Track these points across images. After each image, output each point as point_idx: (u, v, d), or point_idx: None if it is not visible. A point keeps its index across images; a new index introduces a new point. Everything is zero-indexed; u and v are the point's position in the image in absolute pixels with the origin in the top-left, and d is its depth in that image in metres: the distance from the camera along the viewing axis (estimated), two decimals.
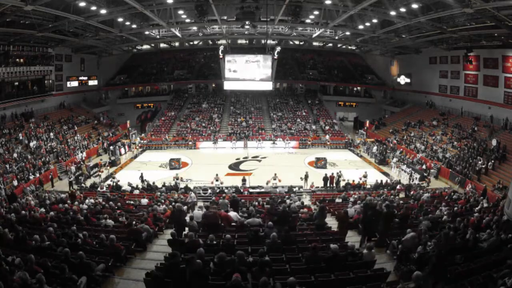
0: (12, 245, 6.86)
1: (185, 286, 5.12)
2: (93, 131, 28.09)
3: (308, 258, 6.09)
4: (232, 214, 9.32)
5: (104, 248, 7.04)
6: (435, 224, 9.05)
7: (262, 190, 16.23)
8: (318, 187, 18.16)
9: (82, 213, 10.15)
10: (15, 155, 19.63)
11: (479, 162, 18.60)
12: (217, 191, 15.95)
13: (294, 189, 16.53)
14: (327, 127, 30.87)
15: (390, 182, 18.49)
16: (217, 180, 17.84)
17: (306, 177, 18.69)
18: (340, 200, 14.52)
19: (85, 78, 32.31)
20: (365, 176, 18.99)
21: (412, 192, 15.62)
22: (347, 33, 26.43)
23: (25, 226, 8.60)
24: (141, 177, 18.59)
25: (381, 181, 18.39)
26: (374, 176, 19.85)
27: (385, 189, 16.77)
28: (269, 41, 30.86)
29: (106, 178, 20.00)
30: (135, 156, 25.87)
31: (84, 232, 7.93)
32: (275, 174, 17.86)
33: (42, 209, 10.86)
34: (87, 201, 12.92)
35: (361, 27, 22.94)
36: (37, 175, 18.59)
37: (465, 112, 25.85)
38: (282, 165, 22.54)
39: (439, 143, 23.65)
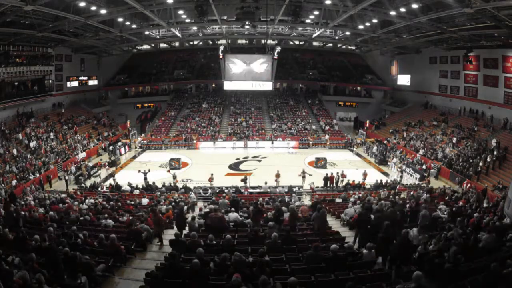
0: (12, 246, 6.85)
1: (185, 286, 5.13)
2: (93, 131, 28.11)
3: (309, 257, 6.09)
4: (233, 215, 9.31)
5: (104, 248, 7.04)
6: (434, 223, 9.02)
7: (262, 190, 16.24)
8: (318, 187, 18.17)
9: (82, 213, 10.15)
10: (15, 151, 19.63)
11: (480, 164, 18.60)
12: (217, 191, 15.95)
13: (294, 189, 16.54)
14: (327, 127, 30.89)
15: (390, 182, 18.49)
16: (212, 180, 18.00)
17: (304, 175, 18.76)
18: (340, 200, 14.53)
19: (85, 78, 32.30)
20: (364, 176, 19.04)
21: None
22: (347, 33, 26.42)
23: (25, 226, 8.60)
24: (145, 177, 18.54)
25: (381, 180, 18.41)
26: (374, 176, 19.87)
27: (385, 189, 16.77)
28: (269, 41, 30.86)
29: (106, 178, 20.01)
30: (135, 156, 25.89)
31: (84, 232, 7.92)
32: (278, 172, 18.25)
33: (42, 210, 10.87)
34: (87, 201, 12.92)
35: (361, 27, 22.93)
36: (37, 175, 18.60)
37: (465, 112, 25.87)
38: (282, 165, 22.51)
39: (439, 143, 23.66)
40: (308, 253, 6.23)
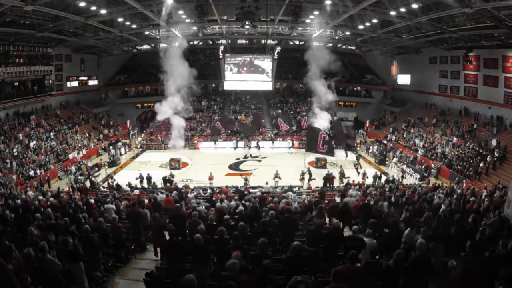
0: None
1: None
2: (93, 131, 28.12)
3: (309, 233, 6.09)
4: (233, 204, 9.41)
5: (105, 238, 7.07)
6: (434, 213, 8.96)
7: (263, 190, 16.22)
8: (317, 187, 18.14)
9: (83, 202, 10.11)
10: (15, 151, 19.67)
11: (481, 165, 18.61)
12: (217, 191, 15.92)
13: (294, 189, 16.51)
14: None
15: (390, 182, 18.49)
16: (212, 178, 18.06)
17: (303, 175, 18.79)
18: (339, 199, 14.48)
19: (85, 78, 32.30)
20: (364, 176, 19.07)
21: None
22: (347, 33, 26.44)
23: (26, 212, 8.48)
24: (148, 177, 18.52)
25: (380, 174, 18.65)
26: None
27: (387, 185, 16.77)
28: (269, 41, 30.89)
29: (106, 179, 20.03)
30: (135, 156, 25.89)
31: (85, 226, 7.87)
32: (277, 171, 18.27)
33: (41, 197, 10.89)
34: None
35: (361, 27, 22.94)
36: (38, 173, 18.64)
37: (465, 112, 25.87)
38: (282, 165, 22.51)
39: (439, 142, 23.66)
40: (307, 230, 6.21)
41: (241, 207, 9.26)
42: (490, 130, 22.24)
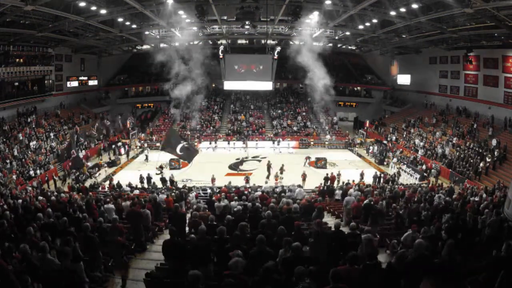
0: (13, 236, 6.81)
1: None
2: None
3: (315, 234, 6.12)
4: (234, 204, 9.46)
5: (105, 235, 7.04)
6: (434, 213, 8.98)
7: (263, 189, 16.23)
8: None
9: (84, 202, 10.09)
10: (15, 151, 19.66)
11: (481, 165, 18.60)
12: (217, 191, 15.92)
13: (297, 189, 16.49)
14: (327, 127, 30.94)
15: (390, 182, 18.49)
16: (214, 181, 18.02)
17: (305, 177, 18.80)
18: (339, 198, 14.47)
19: (85, 78, 32.30)
20: (362, 175, 19.13)
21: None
22: (347, 33, 26.42)
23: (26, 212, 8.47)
24: (148, 177, 18.54)
25: (380, 174, 18.77)
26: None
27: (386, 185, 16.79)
28: (269, 41, 30.85)
29: (106, 178, 20.03)
30: (135, 156, 25.86)
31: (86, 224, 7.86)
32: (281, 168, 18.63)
33: (41, 197, 10.89)
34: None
35: (361, 27, 22.93)
36: (38, 173, 18.64)
37: (465, 112, 25.85)
38: (281, 165, 22.50)
39: (439, 142, 23.65)
40: (315, 228, 6.22)
41: (239, 207, 9.26)
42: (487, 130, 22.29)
